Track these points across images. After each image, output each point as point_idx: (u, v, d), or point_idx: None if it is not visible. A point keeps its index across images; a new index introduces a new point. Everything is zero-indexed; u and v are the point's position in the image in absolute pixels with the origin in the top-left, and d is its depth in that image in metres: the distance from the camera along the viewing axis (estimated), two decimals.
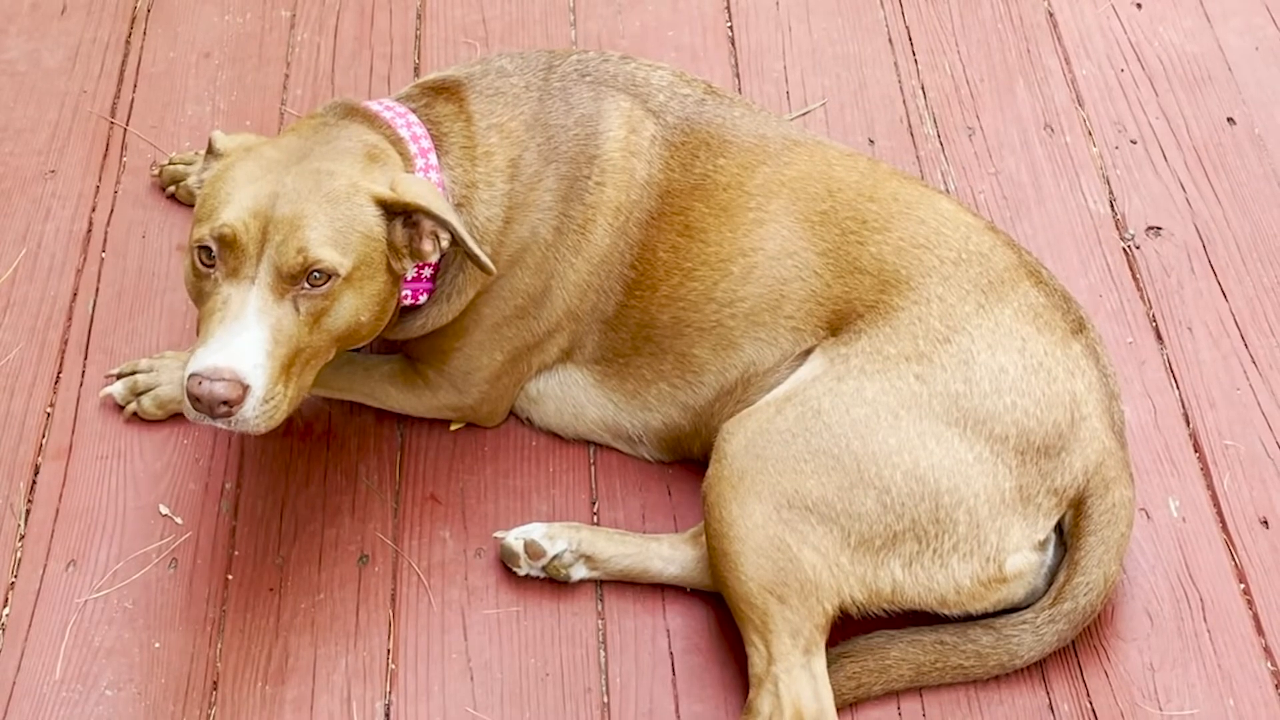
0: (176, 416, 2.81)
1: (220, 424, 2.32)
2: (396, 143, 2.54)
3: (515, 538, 2.62)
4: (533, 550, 2.60)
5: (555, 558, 2.60)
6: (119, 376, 2.85)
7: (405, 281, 2.54)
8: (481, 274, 2.57)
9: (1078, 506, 2.48)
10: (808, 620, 2.39)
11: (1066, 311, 2.56)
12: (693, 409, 2.67)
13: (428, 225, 2.45)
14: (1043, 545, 2.49)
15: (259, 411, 2.32)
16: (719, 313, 2.60)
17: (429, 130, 2.58)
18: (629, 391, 2.71)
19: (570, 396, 2.76)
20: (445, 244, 2.47)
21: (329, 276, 2.36)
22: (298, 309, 2.36)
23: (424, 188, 2.46)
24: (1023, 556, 2.46)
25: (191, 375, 2.30)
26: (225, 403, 2.29)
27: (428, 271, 2.57)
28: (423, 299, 2.60)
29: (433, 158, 2.56)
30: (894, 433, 2.42)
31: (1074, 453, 2.46)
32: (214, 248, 2.36)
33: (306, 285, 2.36)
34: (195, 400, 2.30)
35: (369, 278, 2.42)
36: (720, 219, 2.61)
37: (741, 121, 2.70)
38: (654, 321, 2.64)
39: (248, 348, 2.31)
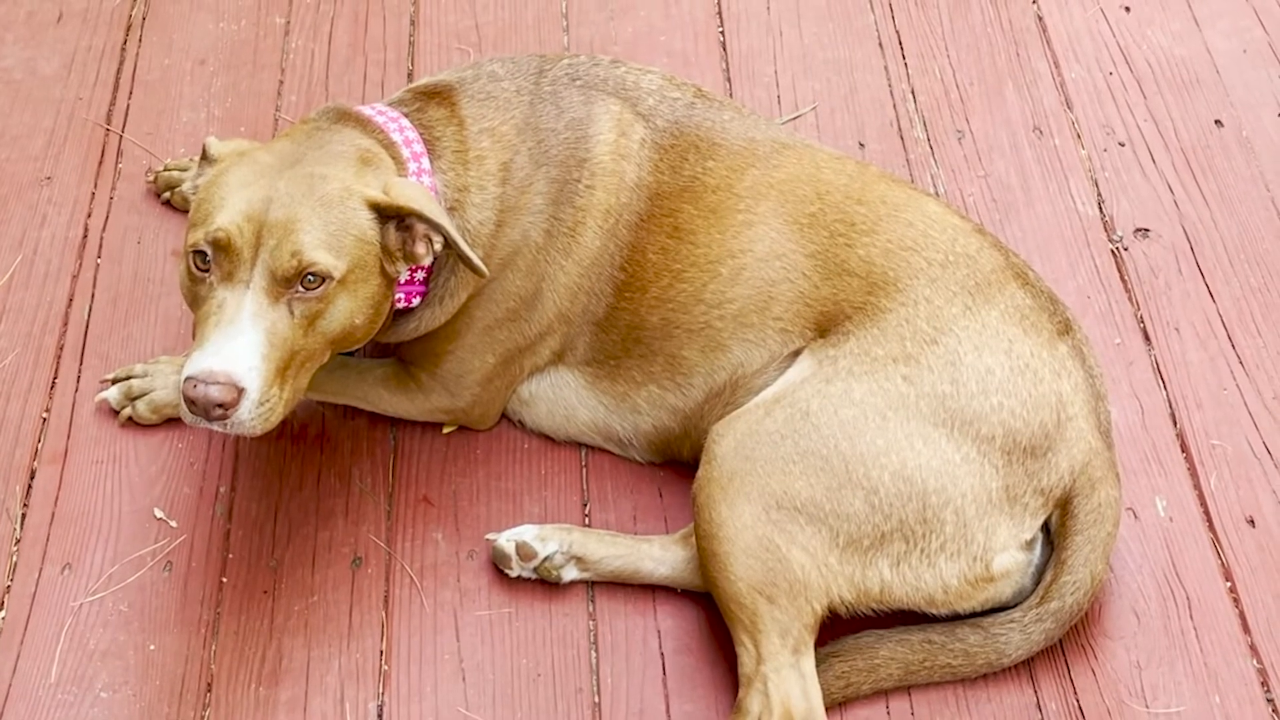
0: (171, 421, 2.82)
1: (216, 427, 2.34)
2: (389, 147, 2.56)
3: (507, 539, 2.63)
4: (524, 552, 2.61)
5: (547, 559, 2.61)
6: (114, 381, 2.85)
7: (398, 285, 2.56)
8: (474, 277, 2.59)
9: (1064, 506, 2.49)
10: (796, 620, 2.40)
11: (1053, 313, 2.58)
12: (682, 411, 2.69)
13: (421, 228, 2.46)
14: (1030, 545, 2.50)
15: (254, 414, 2.34)
16: (707, 314, 2.62)
17: (421, 134, 2.59)
18: (619, 394, 2.73)
19: (562, 399, 2.77)
20: (438, 247, 2.49)
21: (323, 279, 2.38)
22: (292, 312, 2.37)
23: (417, 191, 2.47)
24: (1010, 556, 2.47)
25: (187, 379, 2.31)
26: (221, 406, 2.31)
27: (420, 275, 2.59)
28: (415, 302, 2.62)
29: (425, 162, 2.57)
30: (882, 434, 2.43)
31: (1060, 453, 2.47)
32: (209, 252, 2.37)
33: (301, 288, 2.37)
34: (191, 403, 2.32)
35: (363, 281, 2.44)
36: (709, 221, 2.62)
37: (731, 125, 2.71)
38: (643, 323, 2.66)
39: (243, 351, 2.32)
